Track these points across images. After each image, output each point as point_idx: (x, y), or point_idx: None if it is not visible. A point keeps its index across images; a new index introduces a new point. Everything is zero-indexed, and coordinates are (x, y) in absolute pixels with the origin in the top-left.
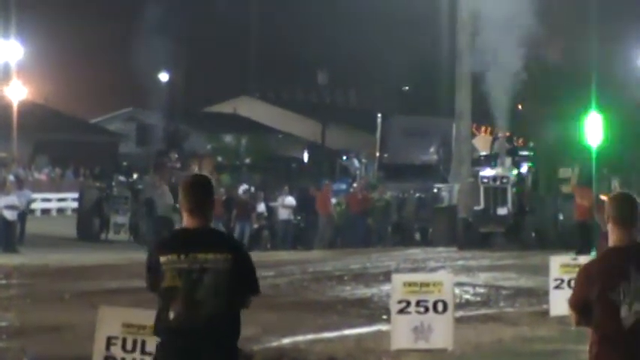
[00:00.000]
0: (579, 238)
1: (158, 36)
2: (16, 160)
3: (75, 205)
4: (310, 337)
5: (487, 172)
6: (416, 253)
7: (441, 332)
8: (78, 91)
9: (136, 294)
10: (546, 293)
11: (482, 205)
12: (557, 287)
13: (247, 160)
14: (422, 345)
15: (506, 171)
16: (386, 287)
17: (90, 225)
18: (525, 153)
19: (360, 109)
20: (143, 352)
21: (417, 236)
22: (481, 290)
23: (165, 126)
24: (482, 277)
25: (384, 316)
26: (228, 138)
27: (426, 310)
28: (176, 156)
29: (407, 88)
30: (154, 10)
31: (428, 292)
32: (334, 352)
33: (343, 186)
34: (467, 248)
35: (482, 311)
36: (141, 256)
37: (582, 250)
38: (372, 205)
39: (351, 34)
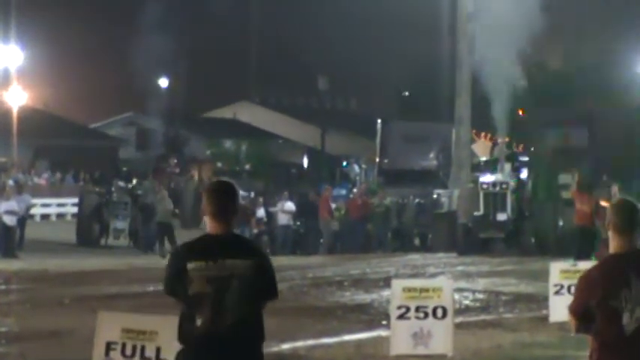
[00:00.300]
0: (578, 243)
1: (158, 41)
2: (16, 165)
3: (74, 210)
4: (310, 342)
5: (487, 177)
6: (415, 258)
7: (441, 338)
8: (78, 96)
9: (135, 299)
10: (546, 299)
11: (481, 211)
12: (556, 293)
13: (247, 166)
14: (421, 350)
15: (505, 177)
16: (385, 293)
17: (89, 230)
18: (525, 159)
19: (360, 114)
20: (142, 357)
21: (417, 242)
22: (481, 296)
23: (165, 131)
24: (482, 283)
25: (384, 322)
26: (228, 143)
27: (426, 315)
28: (175, 161)
29: (407, 93)
30: (154, 16)
31: (427, 297)
32: (334, 358)
33: (343, 191)
34: (466, 254)
35: (482, 317)
36: (140, 261)
37: (581, 256)
38: (372, 210)
39: (352, 39)
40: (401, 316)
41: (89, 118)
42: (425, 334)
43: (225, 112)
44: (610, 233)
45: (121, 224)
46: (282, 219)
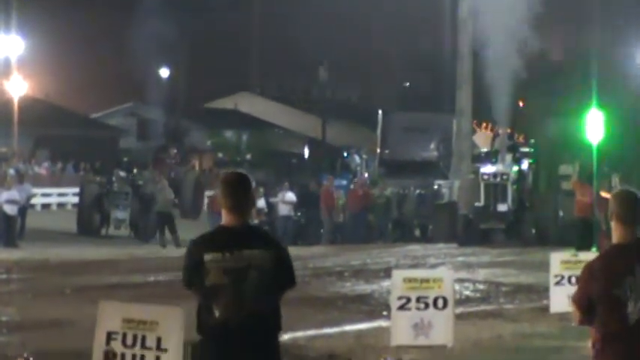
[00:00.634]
0: (579, 234)
1: (159, 31)
2: (17, 155)
3: (75, 200)
4: (310, 332)
5: (487, 168)
6: (416, 249)
7: (441, 328)
8: (79, 86)
9: (136, 289)
10: (546, 290)
11: (482, 202)
12: (557, 284)
13: (248, 156)
14: (422, 341)
15: (506, 167)
16: (386, 283)
17: (90, 220)
18: (526, 150)
19: (361, 105)
20: (143, 347)
21: (417, 232)
22: (481, 286)
23: (166, 121)
24: (483, 274)
25: (384, 312)
26: (228, 133)
27: (426, 306)
28: (175, 151)
29: (408, 84)
30: (155, 5)
31: (428, 288)
32: (334, 348)
33: (344, 182)
34: (467, 244)
35: (482, 307)
36: (141, 251)
37: (582, 247)
38: (373, 201)
39: (353, 30)
40: (401, 307)
41: (90, 108)
42: (425, 325)
43: (226, 103)
44: (613, 224)
45: (122, 214)
46: (283, 209)
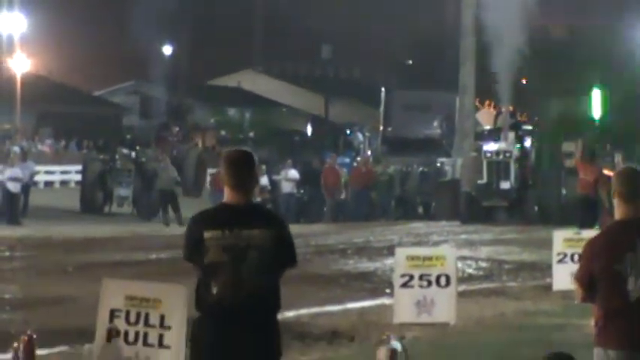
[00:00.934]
0: (581, 212)
1: (162, 8)
2: (20, 132)
3: (78, 177)
4: (313, 310)
5: (490, 146)
6: (419, 227)
7: (444, 306)
8: (82, 63)
9: (139, 266)
10: (549, 267)
11: (485, 180)
12: (560, 261)
13: (251, 134)
14: (424, 319)
15: (509, 145)
16: (389, 261)
17: (93, 198)
18: (529, 127)
19: (364, 82)
20: (146, 324)
21: (420, 210)
22: (484, 264)
23: (169, 99)
24: (485, 251)
25: (387, 290)
26: (231, 111)
27: (429, 284)
28: (177, 129)
29: (410, 62)
30: None
31: (431, 266)
32: (337, 326)
33: (347, 159)
34: (470, 222)
35: (485, 285)
36: (144, 229)
37: (585, 225)
38: (376, 179)
39: (356, 7)
40: (404, 285)
41: (93, 85)
42: (428, 303)
43: (229, 81)
44: (615, 201)
45: (125, 192)
46: (286, 187)
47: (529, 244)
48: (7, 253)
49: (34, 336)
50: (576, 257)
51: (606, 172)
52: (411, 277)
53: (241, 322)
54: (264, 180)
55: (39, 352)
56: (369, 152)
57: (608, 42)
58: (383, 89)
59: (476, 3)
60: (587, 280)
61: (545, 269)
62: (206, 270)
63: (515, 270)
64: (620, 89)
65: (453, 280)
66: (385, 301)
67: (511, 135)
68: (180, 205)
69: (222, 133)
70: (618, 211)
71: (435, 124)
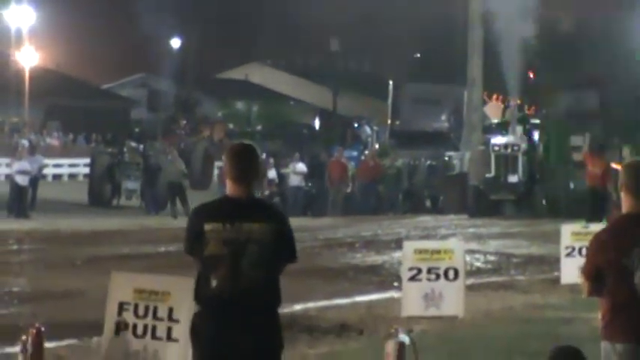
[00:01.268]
0: (590, 206)
1: (171, 1)
2: (28, 125)
3: (86, 170)
4: (321, 303)
5: (498, 139)
6: (427, 220)
7: (452, 299)
8: (90, 56)
9: (147, 259)
10: (557, 261)
11: (493, 173)
12: (568, 255)
13: (258, 127)
14: (433, 312)
15: (517, 139)
16: (397, 254)
17: (101, 191)
18: (537, 121)
19: (372, 76)
20: (155, 317)
21: (428, 204)
22: (492, 258)
23: (177, 92)
24: (493, 245)
25: (395, 283)
26: (239, 104)
27: (437, 277)
28: (185, 122)
29: (419, 55)
30: None
31: (439, 259)
32: (345, 319)
33: (354, 153)
34: (478, 216)
35: (493, 279)
36: (152, 222)
37: (593, 218)
38: (384, 172)
39: (364, 0)
40: (412, 278)
41: (101, 78)
42: (436, 296)
43: (237, 74)
44: (622, 194)
45: (133, 185)
46: (294, 180)
47: (537, 238)
48: (16, 247)
49: (43, 329)
50: (584, 251)
51: (614, 165)
52: (419, 271)
53: (240, 315)
54: (272, 173)
55: (47, 345)
56: (376, 145)
57: (617, 34)
58: (391, 82)
59: None
60: (595, 273)
61: (553, 263)
62: (206, 262)
63: (523, 263)
64: (629, 81)
65: (461, 274)
66: (393, 294)
67: (519, 128)
68: (188, 197)
69: (230, 126)
70: (625, 205)
71: (443, 117)
